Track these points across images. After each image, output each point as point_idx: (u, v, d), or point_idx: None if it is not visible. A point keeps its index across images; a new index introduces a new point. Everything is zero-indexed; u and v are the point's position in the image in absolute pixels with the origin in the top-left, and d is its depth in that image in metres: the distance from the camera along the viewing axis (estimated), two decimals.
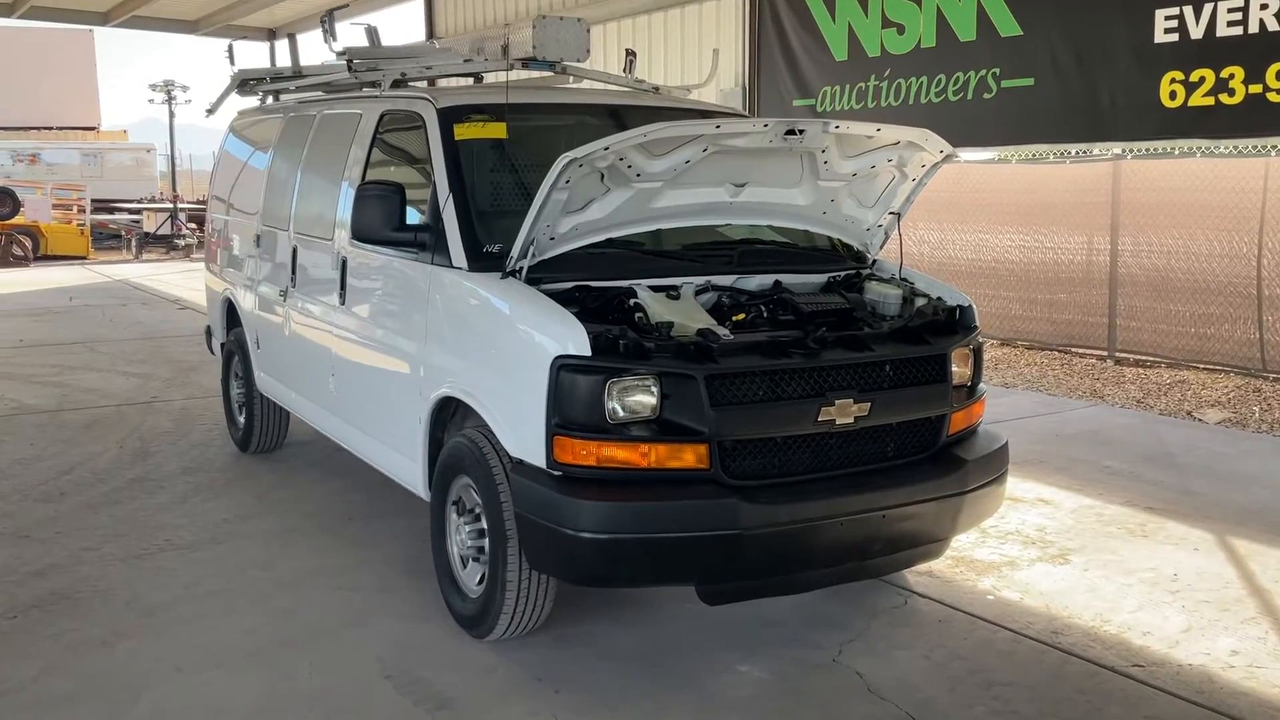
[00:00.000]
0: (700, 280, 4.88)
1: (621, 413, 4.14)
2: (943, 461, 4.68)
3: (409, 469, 5.28)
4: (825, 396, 4.34)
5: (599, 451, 4.12)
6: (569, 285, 4.64)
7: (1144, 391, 10.50)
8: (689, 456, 4.17)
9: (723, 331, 4.38)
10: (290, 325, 6.72)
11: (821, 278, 5.25)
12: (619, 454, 4.13)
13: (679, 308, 4.59)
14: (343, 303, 5.88)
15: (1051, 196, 12.68)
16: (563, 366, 4.13)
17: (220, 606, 5.16)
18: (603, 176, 4.51)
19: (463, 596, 4.81)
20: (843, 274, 5.32)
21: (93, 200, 30.35)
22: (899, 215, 5.36)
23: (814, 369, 4.35)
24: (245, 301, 7.59)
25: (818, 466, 4.41)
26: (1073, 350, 12.38)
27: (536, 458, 4.24)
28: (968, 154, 11.56)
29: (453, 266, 4.85)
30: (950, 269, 13.53)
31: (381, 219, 4.90)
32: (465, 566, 4.81)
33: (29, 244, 25.70)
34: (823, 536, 4.28)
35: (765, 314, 4.74)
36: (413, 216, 5.09)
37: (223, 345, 8.25)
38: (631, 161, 4.47)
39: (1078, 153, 13.39)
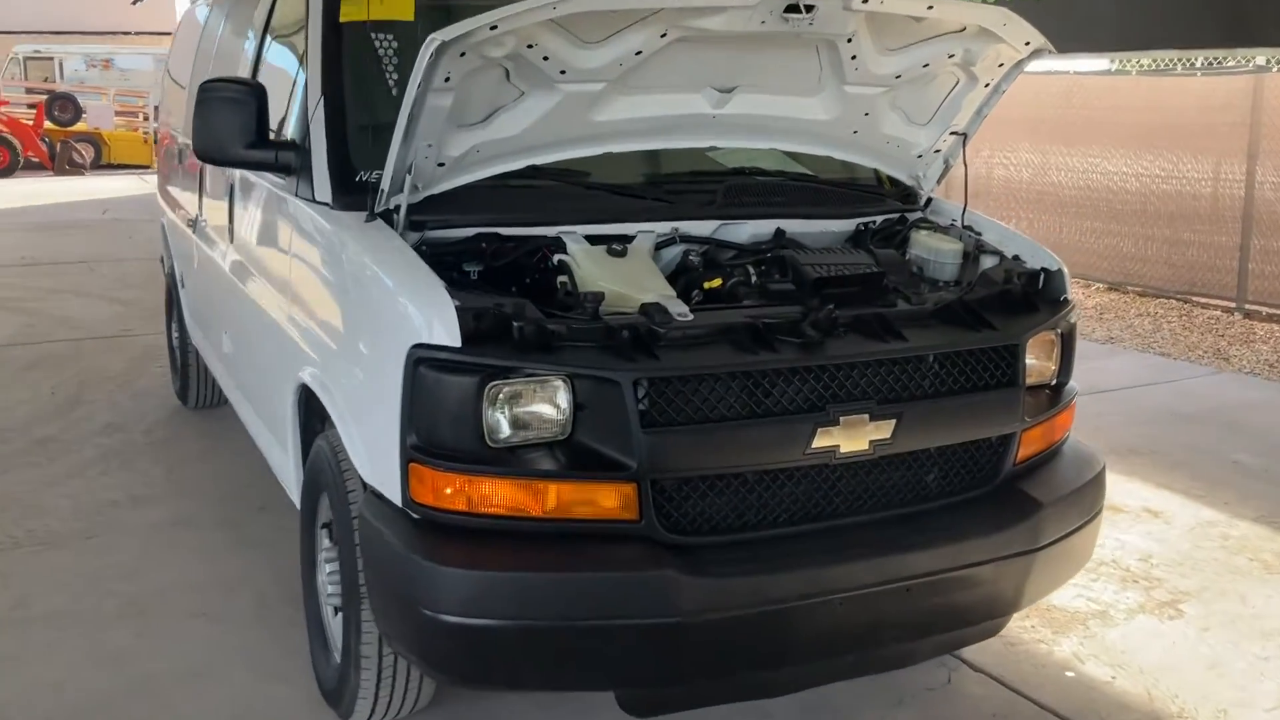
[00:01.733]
0: (665, 228, 3.42)
1: (508, 431, 2.75)
2: (1006, 503, 3.20)
3: (284, 466, 3.97)
4: (825, 411, 2.88)
5: (471, 489, 2.74)
6: (468, 233, 3.23)
7: (1278, 354, 8.72)
8: (608, 501, 2.76)
9: (677, 308, 2.94)
10: (197, 264, 5.42)
11: (847, 225, 3.75)
12: (502, 494, 2.74)
13: (622, 269, 3.15)
14: (232, 240, 4.54)
15: (1177, 116, 10.77)
16: (421, 361, 2.73)
17: (40, 642, 3.94)
18: (508, 74, 3.05)
19: (328, 657, 3.49)
20: (880, 219, 3.80)
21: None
22: (965, 136, 3.80)
23: (810, 369, 2.89)
24: (171, 230, 6.32)
25: (810, 514, 2.97)
26: (1194, 299, 10.56)
27: (391, 490, 2.87)
28: (1079, 62, 9.73)
29: (314, 200, 3.45)
30: (1052, 198, 11.73)
31: (228, 131, 3.50)
32: (336, 615, 3.48)
33: (90, 152, 24.97)
34: (809, 623, 2.86)
35: (753, 280, 3.28)
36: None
37: (168, 279, 7.02)
38: (549, 52, 3.00)
39: (1209, 62, 11.40)
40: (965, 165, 3.81)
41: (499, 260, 3.20)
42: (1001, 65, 3.50)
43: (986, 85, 3.60)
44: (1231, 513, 5.28)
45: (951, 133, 3.78)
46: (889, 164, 3.89)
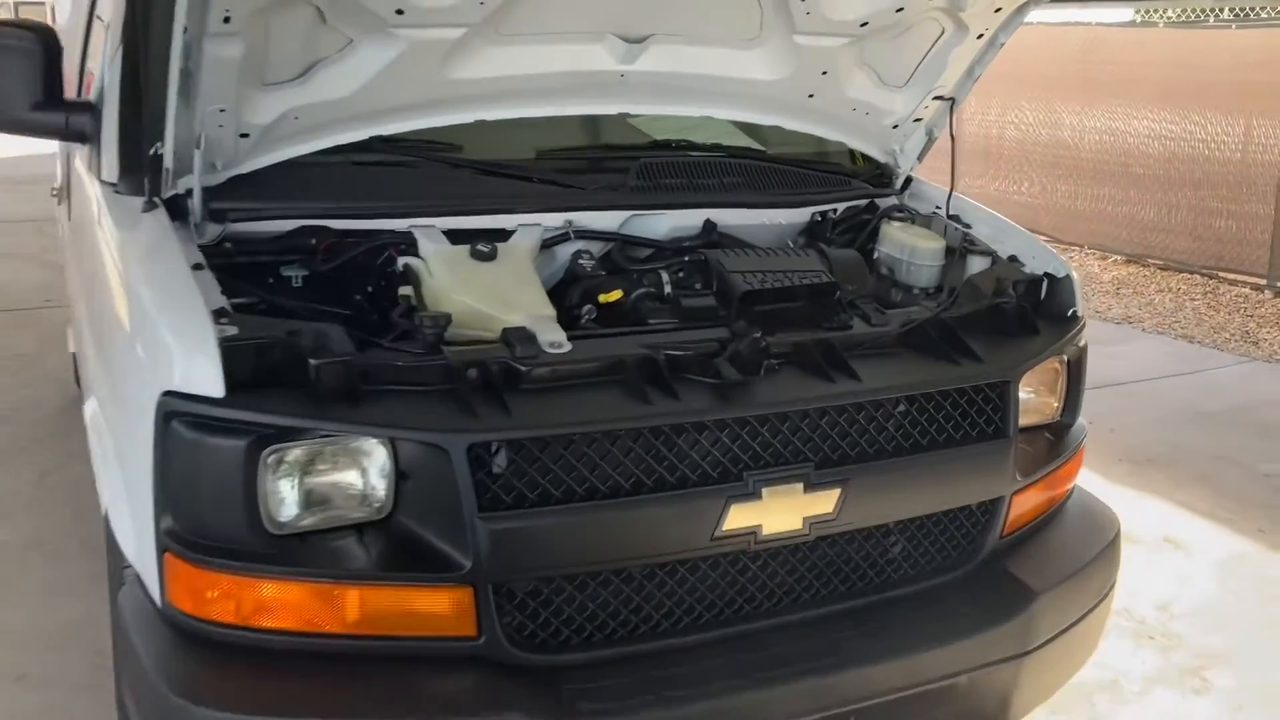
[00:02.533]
0: (556, 220, 2.63)
1: (295, 512, 1.99)
2: (989, 590, 2.44)
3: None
4: (742, 481, 2.11)
5: (243, 594, 1.98)
6: (290, 227, 2.45)
7: None
8: (435, 611, 2.01)
9: (550, 336, 2.17)
10: (62, 240, 4.64)
11: (800, 215, 2.95)
12: (287, 602, 1.98)
13: (487, 278, 2.38)
14: (70, 218, 3.77)
15: (1207, 73, 9.84)
16: (173, 415, 1.96)
17: None
18: (322, 13, 2.26)
19: None
20: (842, 207, 3.01)
21: None
22: (953, 102, 2.99)
23: (723, 423, 2.13)
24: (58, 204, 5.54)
25: (723, 618, 2.21)
26: (1221, 275, 9.68)
27: (151, 582, 2.11)
28: (1100, 11, 8.82)
29: (102, 180, 2.67)
30: (1069, 162, 10.84)
31: (7, 88, 2.70)
32: None
33: None
34: None
35: (666, 292, 2.50)
36: None
37: None
38: None
39: (1241, 12, 10.45)
40: (953, 138, 3.00)
41: (329, 264, 2.43)
42: (999, 11, 2.70)
43: (980, 37, 2.80)
44: (1267, 544, 4.51)
45: (935, 97, 2.97)
46: (856, 136, 3.08)
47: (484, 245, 2.43)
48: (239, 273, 2.34)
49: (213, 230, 2.40)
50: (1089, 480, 2.95)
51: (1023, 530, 2.55)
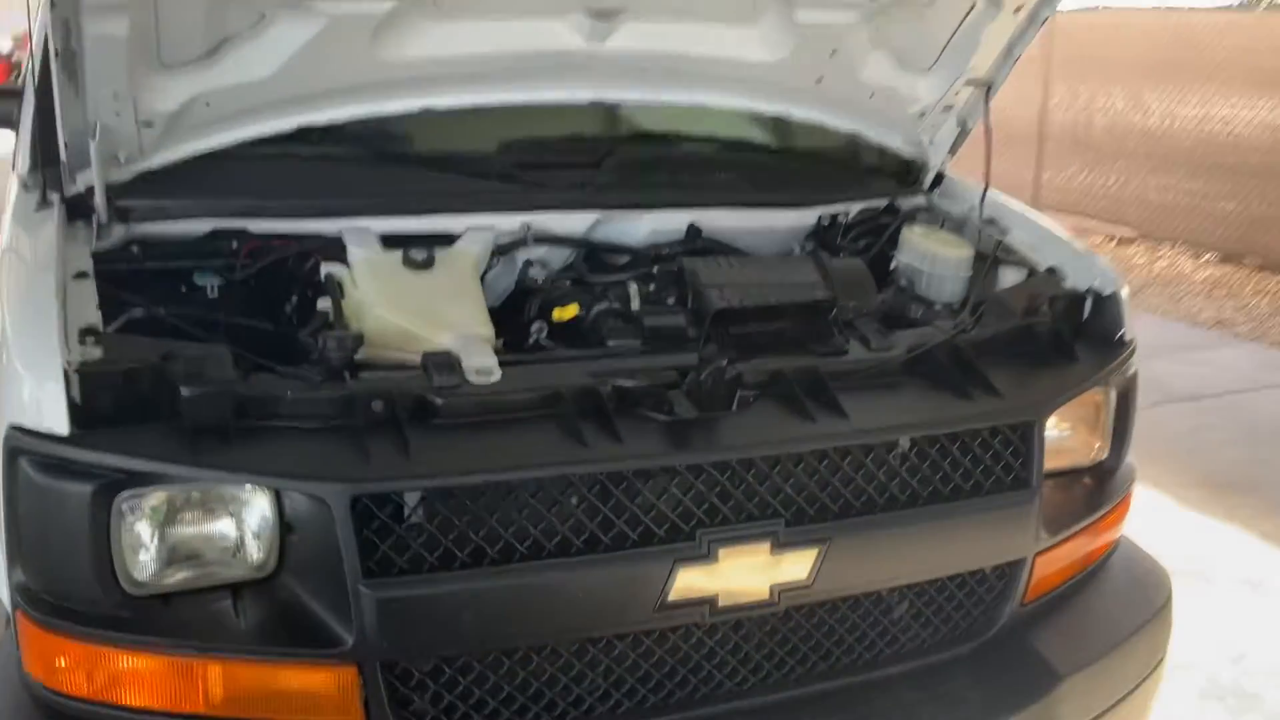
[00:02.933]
0: (512, 223, 2.30)
1: (154, 570, 1.69)
2: (1004, 670, 2.05)
3: None
4: (695, 540, 1.76)
5: (95, 664, 1.69)
6: (204, 229, 2.16)
7: None
8: (317, 691, 1.70)
9: (479, 361, 1.86)
10: None
11: (806, 217, 2.57)
12: (144, 676, 1.68)
13: (420, 290, 2.08)
14: None
15: None
16: (21, 454, 1.67)
17: None
18: None
19: None
20: (855, 209, 2.62)
21: None
22: (989, 87, 2.58)
23: (672, 470, 1.78)
24: None
25: (671, 703, 1.86)
26: None
27: (8, 645, 1.83)
28: None
29: (15, 171, 2.40)
30: (1161, 153, 10.17)
31: None
32: None
33: None
34: None
35: (634, 307, 2.16)
36: None
37: None
38: None
39: None
40: (988, 129, 2.59)
41: (247, 271, 2.13)
42: None
43: (1017, 11, 2.39)
44: None
45: (968, 82, 2.57)
46: (874, 126, 2.68)
47: (418, 251, 2.10)
48: (144, 281, 2.07)
49: (119, 232, 2.12)
50: (1156, 506, 2.52)
51: (1049, 596, 2.15)
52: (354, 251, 2.12)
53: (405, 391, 1.78)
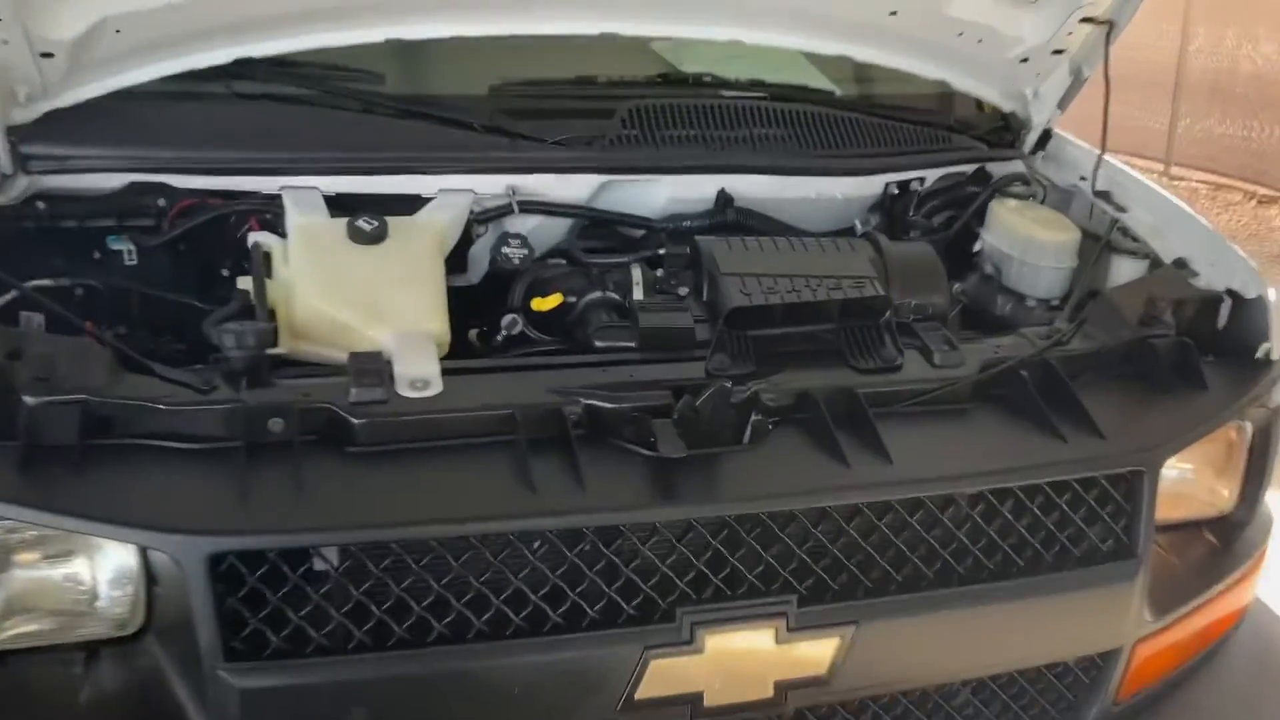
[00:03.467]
0: (495, 185, 1.87)
1: None
2: None
3: None
4: (673, 619, 1.34)
5: None
6: (118, 182, 1.79)
7: None
8: None
9: (418, 369, 1.47)
10: None
11: (867, 184, 2.09)
12: None
13: (366, 267, 1.68)
14: None
15: None
16: None
17: None
18: None
19: None
20: (934, 176, 2.13)
21: None
22: (1111, 26, 2.05)
23: (644, 528, 1.36)
24: None
25: None
26: None
27: None
28: None
29: None
30: None
31: None
32: None
33: None
34: None
35: (632, 299, 1.73)
36: None
37: None
38: None
39: None
40: (1107, 79, 2.06)
41: (169, 235, 1.76)
42: None
43: None
44: None
45: (1084, 20, 2.04)
46: (965, 73, 2.16)
47: (367, 221, 1.69)
48: (46, 242, 1.71)
49: (22, 184, 1.76)
50: None
51: (1149, 690, 1.67)
52: (292, 217, 1.72)
53: (314, 407, 1.39)
